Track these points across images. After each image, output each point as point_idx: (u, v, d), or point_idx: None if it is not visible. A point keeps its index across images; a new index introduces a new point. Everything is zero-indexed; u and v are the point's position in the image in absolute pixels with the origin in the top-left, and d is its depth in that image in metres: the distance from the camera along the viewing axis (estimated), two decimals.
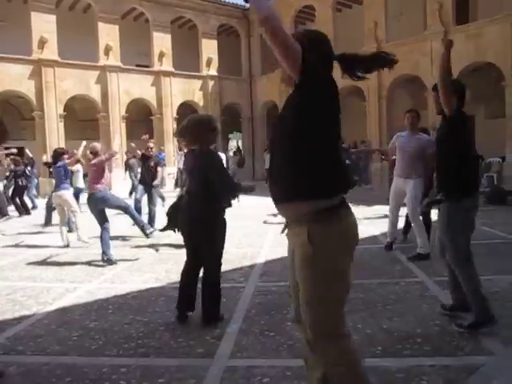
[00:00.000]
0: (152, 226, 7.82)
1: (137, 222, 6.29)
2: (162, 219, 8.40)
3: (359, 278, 4.40)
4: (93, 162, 6.05)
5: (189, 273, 3.61)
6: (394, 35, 16.75)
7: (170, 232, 4.17)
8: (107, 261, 5.66)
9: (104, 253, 5.69)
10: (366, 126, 17.85)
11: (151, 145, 8.49)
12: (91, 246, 6.96)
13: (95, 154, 6.11)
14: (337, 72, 1.97)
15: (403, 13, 17.52)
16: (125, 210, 6.14)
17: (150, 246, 6.87)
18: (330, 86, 1.80)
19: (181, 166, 10.93)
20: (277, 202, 1.84)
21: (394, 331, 3.22)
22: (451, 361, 2.73)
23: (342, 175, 1.81)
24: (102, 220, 5.82)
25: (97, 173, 6.01)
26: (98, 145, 6.28)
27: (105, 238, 5.72)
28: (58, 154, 7.53)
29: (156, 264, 5.67)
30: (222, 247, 3.55)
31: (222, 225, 3.49)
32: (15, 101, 18.91)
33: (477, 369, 2.59)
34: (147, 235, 6.19)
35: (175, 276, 4.98)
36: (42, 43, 17.07)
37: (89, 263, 5.80)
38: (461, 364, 2.69)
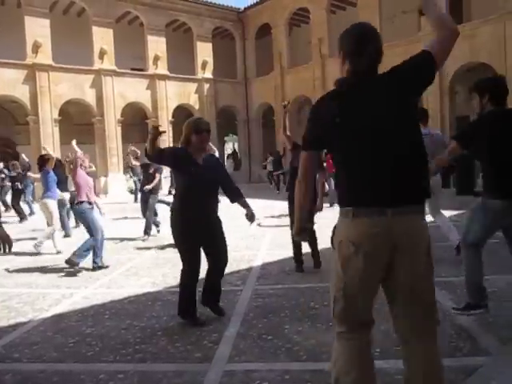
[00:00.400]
0: (148, 233, 7.82)
1: (82, 247, 5.72)
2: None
3: None
4: (73, 171, 6.00)
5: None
6: (387, 37, 16.80)
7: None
8: (70, 262, 5.56)
9: (75, 254, 5.60)
10: None
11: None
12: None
13: (71, 163, 6.02)
14: (337, 72, 1.97)
15: (397, 15, 17.59)
16: (91, 233, 5.75)
17: (152, 247, 6.85)
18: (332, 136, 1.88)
19: None
20: None
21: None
22: (450, 362, 2.72)
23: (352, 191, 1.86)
24: (88, 230, 5.78)
25: (77, 184, 5.91)
26: (77, 154, 6.17)
27: (84, 244, 5.66)
28: (42, 161, 7.19)
29: (153, 268, 5.65)
30: (179, 245, 3.61)
31: (173, 224, 3.58)
32: (9, 105, 18.84)
33: (475, 369, 2.58)
34: (68, 260, 5.61)
35: (172, 280, 4.96)
36: (36, 47, 17.02)
37: (85, 268, 5.77)
38: (459, 365, 2.68)
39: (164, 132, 3.37)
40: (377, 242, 1.78)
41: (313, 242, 5.22)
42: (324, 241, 7.02)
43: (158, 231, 8.07)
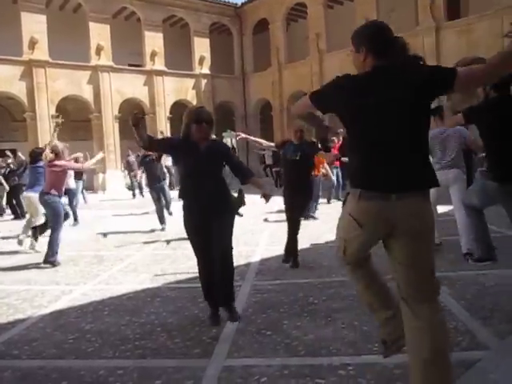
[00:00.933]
0: (163, 222, 8.17)
1: (50, 244, 5.83)
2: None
3: None
4: (58, 163, 5.91)
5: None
6: None
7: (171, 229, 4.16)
8: (49, 261, 5.64)
9: (48, 254, 5.66)
10: None
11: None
12: (86, 248, 6.93)
13: (56, 154, 5.89)
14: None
15: (394, 9, 17.55)
16: (53, 225, 5.92)
17: (152, 242, 6.85)
18: (345, 112, 2.06)
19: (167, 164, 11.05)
20: None
21: None
22: None
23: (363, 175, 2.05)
24: (53, 221, 5.77)
25: (57, 176, 5.85)
26: (60, 144, 6.14)
27: (51, 242, 5.66)
28: (36, 154, 7.07)
29: (152, 264, 5.65)
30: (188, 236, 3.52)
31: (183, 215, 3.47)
32: (5, 102, 18.76)
33: (473, 364, 2.59)
34: (45, 260, 5.73)
35: (171, 276, 4.97)
36: (33, 44, 16.94)
37: (84, 265, 5.77)
38: (457, 359, 2.68)
39: (144, 116, 3.30)
40: (378, 221, 2.01)
41: (293, 235, 5.08)
42: (320, 237, 7.00)
43: (163, 229, 8.12)
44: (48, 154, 6.02)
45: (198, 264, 3.53)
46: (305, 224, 5.23)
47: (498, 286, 4.02)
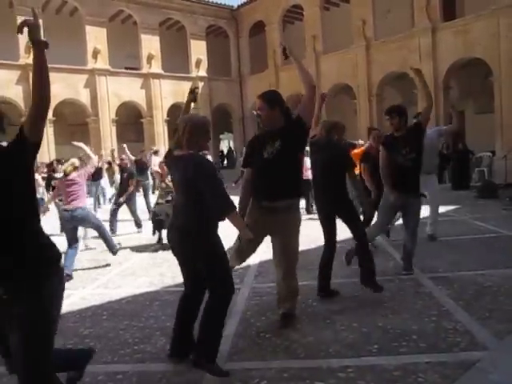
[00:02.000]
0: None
1: (106, 241, 5.94)
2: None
3: (353, 276, 4.41)
4: (77, 173, 5.71)
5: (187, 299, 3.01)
6: (382, 33, 16.82)
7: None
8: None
9: (65, 267, 5.31)
10: (356, 124, 17.90)
11: (139, 151, 9.61)
12: (84, 252, 6.91)
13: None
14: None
15: (390, 10, 17.61)
16: (98, 228, 5.82)
17: (147, 246, 6.85)
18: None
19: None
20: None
21: (389, 329, 3.23)
22: (447, 357, 2.74)
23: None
24: (73, 238, 5.58)
25: (79, 186, 5.63)
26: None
27: (71, 255, 5.44)
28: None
29: (150, 268, 5.64)
30: (225, 265, 2.85)
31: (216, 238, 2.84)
32: (2, 106, 18.72)
33: (472, 364, 2.60)
34: (113, 253, 5.94)
35: (169, 280, 4.97)
36: (29, 48, 16.80)
37: (82, 269, 5.76)
38: (457, 360, 2.70)
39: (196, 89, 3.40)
40: None
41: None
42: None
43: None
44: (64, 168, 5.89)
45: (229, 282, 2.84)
46: (304, 224, 5.22)
47: (495, 285, 4.03)
